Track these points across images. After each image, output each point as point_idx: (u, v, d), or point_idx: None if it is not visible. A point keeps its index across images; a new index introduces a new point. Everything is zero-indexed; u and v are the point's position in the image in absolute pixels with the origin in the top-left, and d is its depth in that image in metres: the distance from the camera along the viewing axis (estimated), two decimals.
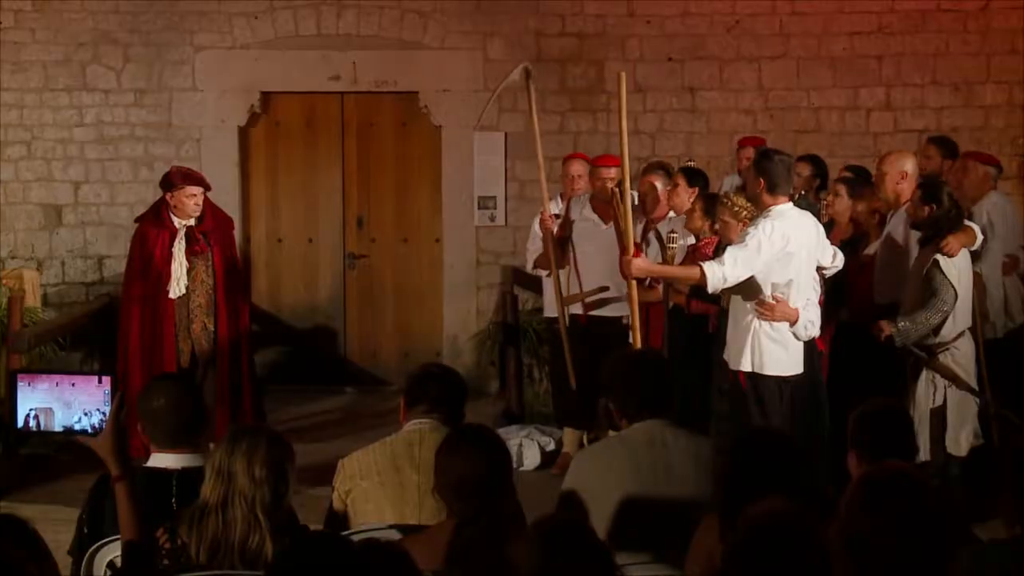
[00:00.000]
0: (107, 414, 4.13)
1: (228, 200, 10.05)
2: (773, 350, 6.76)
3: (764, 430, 5.07)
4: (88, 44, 11.04)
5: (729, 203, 7.39)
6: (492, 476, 4.12)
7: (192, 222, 8.15)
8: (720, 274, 6.60)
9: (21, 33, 11.01)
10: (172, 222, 8.13)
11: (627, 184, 7.09)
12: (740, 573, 3.08)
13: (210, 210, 8.27)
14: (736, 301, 6.87)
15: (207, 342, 8.12)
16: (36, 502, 7.45)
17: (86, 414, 4.14)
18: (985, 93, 11.02)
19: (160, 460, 4.45)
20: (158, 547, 3.98)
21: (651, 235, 8.26)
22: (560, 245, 8.52)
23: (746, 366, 6.77)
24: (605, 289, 8.39)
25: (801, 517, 3.14)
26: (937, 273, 7.02)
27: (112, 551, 4.22)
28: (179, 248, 8.07)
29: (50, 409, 4.05)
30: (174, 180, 8.20)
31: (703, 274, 6.62)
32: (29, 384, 4.15)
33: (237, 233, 9.13)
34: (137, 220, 8.53)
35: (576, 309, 8.53)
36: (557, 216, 8.64)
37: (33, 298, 10.22)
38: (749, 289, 6.76)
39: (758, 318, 6.74)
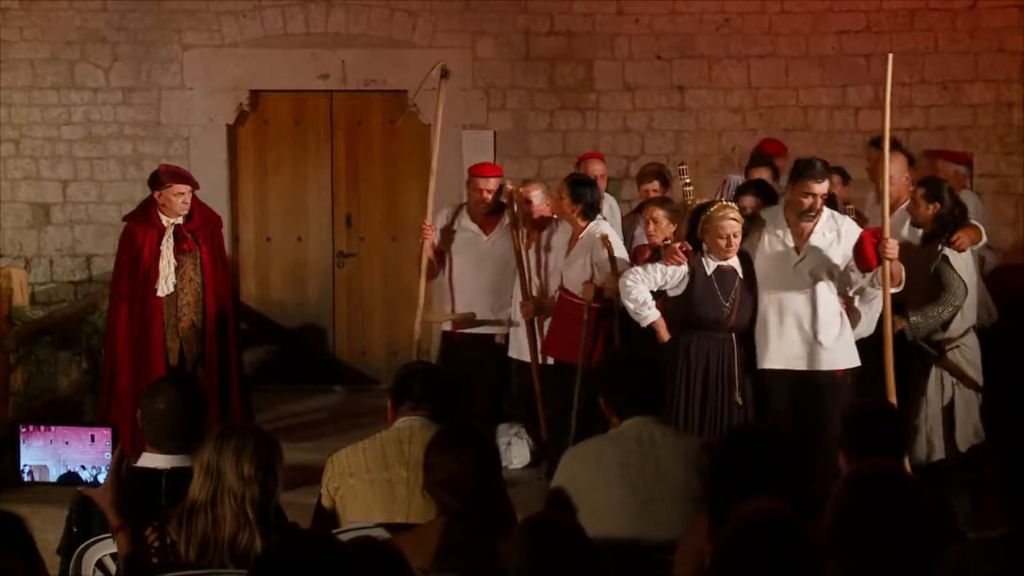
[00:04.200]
0: (108, 466, 4.11)
1: (217, 198, 10.02)
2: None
3: (754, 428, 5.07)
4: (76, 42, 11.02)
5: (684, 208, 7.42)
6: (481, 474, 4.13)
7: (180, 220, 8.13)
8: None
9: (8, 31, 10.98)
10: (160, 220, 8.11)
11: (886, 175, 6.91)
12: (729, 572, 3.08)
13: (198, 208, 8.25)
14: (833, 300, 6.97)
15: (195, 340, 8.10)
16: (23, 501, 7.42)
17: (70, 472, 4.17)
18: (973, 92, 11.02)
19: (150, 460, 4.46)
20: (147, 545, 3.98)
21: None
22: (438, 256, 8.37)
23: (856, 360, 7.02)
24: (471, 316, 8.27)
25: (790, 516, 3.14)
26: (946, 268, 7.06)
27: (101, 550, 4.21)
28: (167, 246, 8.05)
29: (44, 466, 4.09)
30: (162, 178, 8.17)
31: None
32: (25, 440, 4.18)
33: (226, 231, 9.11)
34: (125, 219, 8.51)
35: (448, 325, 8.41)
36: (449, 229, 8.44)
37: (21, 297, 10.19)
38: (843, 282, 6.99)
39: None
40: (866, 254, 6.73)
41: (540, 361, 7.98)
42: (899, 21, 11.04)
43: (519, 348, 8.17)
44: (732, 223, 6.92)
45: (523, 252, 8.02)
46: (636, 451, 4.71)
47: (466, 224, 8.38)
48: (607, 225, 7.93)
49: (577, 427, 7.39)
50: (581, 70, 11.13)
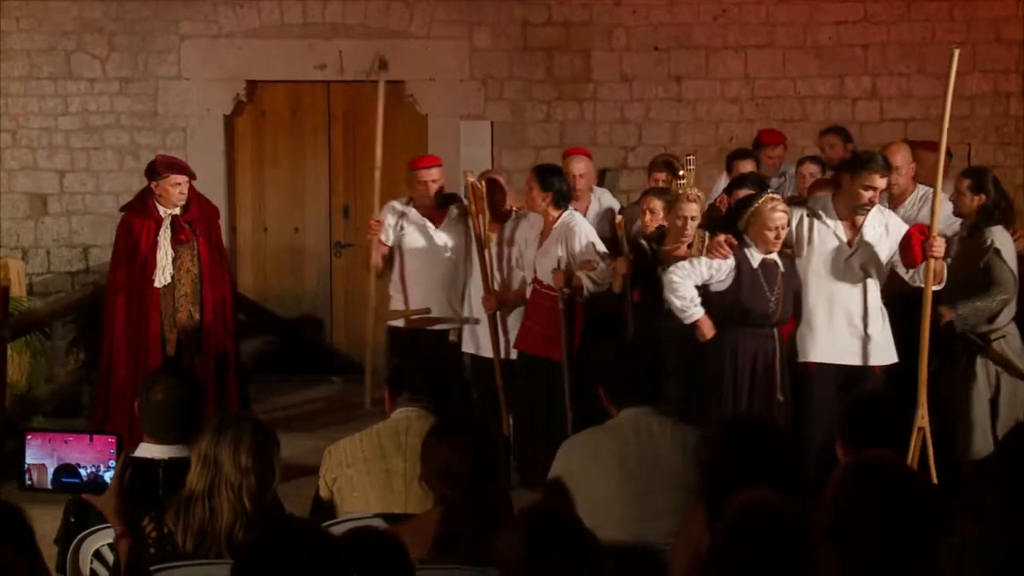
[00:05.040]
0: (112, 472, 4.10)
1: (214, 189, 10.00)
2: None
3: (751, 418, 5.07)
4: (73, 33, 10.99)
5: (695, 196, 7.30)
6: (478, 464, 4.13)
7: (177, 211, 8.12)
8: None
9: (6, 22, 10.96)
10: (157, 211, 8.11)
11: (940, 171, 6.75)
12: (725, 562, 3.08)
13: (195, 199, 8.25)
14: (878, 294, 6.99)
15: (193, 331, 8.10)
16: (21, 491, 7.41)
17: (70, 471, 4.17)
18: (970, 83, 11.01)
19: (148, 450, 4.46)
20: (144, 536, 3.98)
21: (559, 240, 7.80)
22: (388, 252, 8.33)
23: (894, 355, 7.04)
24: (427, 311, 8.20)
25: (787, 506, 3.15)
26: (997, 261, 7.06)
27: (98, 540, 4.21)
28: (164, 237, 8.04)
29: (43, 465, 4.10)
30: (159, 169, 8.17)
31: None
32: (28, 448, 4.19)
33: (223, 222, 9.12)
34: (122, 209, 8.50)
35: (398, 321, 8.31)
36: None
37: (18, 287, 10.18)
38: (884, 276, 7.01)
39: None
40: (913, 250, 6.68)
41: (502, 357, 7.89)
42: (896, 11, 11.03)
43: (476, 343, 8.08)
44: (782, 215, 6.76)
45: (484, 246, 7.92)
46: (634, 442, 4.72)
47: (414, 219, 8.30)
48: (580, 216, 7.85)
49: (574, 420, 7.33)
50: (578, 61, 11.12)
